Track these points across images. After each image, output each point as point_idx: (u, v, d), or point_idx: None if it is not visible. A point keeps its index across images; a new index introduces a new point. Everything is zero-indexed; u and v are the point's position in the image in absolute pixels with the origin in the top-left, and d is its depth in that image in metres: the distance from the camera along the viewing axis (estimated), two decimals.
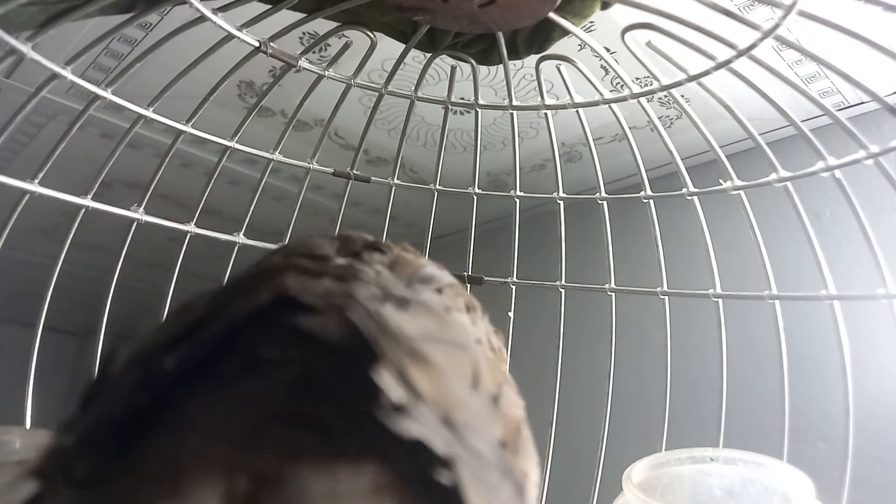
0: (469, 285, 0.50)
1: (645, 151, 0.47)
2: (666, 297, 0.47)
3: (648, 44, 0.40)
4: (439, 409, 0.16)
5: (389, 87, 0.47)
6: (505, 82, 0.46)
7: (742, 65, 0.38)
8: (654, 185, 0.48)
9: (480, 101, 0.47)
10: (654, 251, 0.48)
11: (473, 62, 0.44)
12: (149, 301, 1.59)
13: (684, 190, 0.46)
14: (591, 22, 0.40)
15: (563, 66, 0.44)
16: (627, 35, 0.39)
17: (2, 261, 0.36)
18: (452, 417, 0.16)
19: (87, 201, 0.40)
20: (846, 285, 0.41)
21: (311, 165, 0.48)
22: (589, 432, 0.49)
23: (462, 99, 0.49)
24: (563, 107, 0.45)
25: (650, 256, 0.48)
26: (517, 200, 0.50)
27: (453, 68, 0.47)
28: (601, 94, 0.44)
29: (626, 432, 0.59)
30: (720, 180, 0.44)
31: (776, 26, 0.34)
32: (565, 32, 0.40)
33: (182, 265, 0.44)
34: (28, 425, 0.37)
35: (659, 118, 0.90)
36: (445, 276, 0.22)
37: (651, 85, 0.42)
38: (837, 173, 0.40)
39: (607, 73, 0.75)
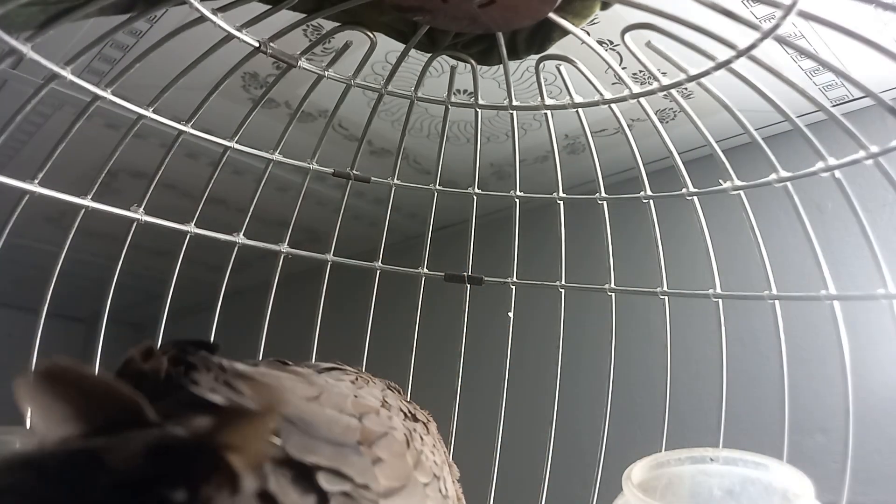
0: (469, 285, 0.50)
1: (648, 143, 0.46)
2: (666, 298, 0.47)
3: (648, 44, 0.40)
4: None
5: (389, 87, 0.47)
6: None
7: (742, 64, 0.38)
8: (659, 177, 0.47)
9: (481, 101, 0.47)
10: (654, 251, 0.48)
11: (473, 62, 0.44)
12: (155, 289, 1.60)
13: (684, 190, 0.46)
14: (593, 19, 0.40)
15: (564, 66, 0.44)
16: (627, 35, 0.39)
17: (9, 248, 0.36)
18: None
19: (87, 201, 0.40)
20: (847, 279, 0.41)
21: (311, 165, 0.48)
22: (589, 432, 0.49)
23: (464, 91, 0.49)
24: (563, 107, 0.45)
25: (650, 256, 0.48)
26: (517, 201, 0.50)
27: (453, 69, 0.47)
28: (601, 94, 0.44)
29: (626, 432, 0.59)
30: (720, 180, 0.44)
31: (776, 26, 0.34)
32: (565, 32, 0.40)
33: (186, 254, 0.45)
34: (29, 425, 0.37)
35: (662, 110, 0.90)
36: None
37: (651, 82, 0.42)
38: (837, 173, 0.40)
39: (608, 69, 0.75)
